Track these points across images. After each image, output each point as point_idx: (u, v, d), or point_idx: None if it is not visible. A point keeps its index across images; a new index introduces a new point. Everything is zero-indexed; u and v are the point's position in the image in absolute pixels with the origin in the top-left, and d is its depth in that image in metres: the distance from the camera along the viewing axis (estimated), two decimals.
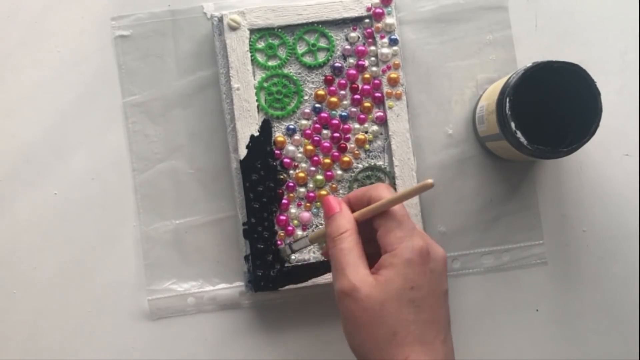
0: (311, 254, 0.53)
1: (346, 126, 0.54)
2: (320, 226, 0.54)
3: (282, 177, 0.53)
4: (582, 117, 0.46)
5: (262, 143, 0.53)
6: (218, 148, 0.55)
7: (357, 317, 0.41)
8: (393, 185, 0.53)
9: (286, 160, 0.53)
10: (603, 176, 0.55)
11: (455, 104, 0.55)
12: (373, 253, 0.43)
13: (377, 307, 0.41)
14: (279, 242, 0.53)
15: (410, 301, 0.41)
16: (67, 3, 0.55)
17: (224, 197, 0.55)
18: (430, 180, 0.42)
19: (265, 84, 0.53)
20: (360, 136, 0.53)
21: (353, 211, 0.45)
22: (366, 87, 0.53)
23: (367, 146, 0.54)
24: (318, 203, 0.53)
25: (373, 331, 0.41)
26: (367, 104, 0.53)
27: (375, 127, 0.54)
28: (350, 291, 0.41)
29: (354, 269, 0.42)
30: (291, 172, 0.53)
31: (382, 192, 0.44)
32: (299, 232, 0.53)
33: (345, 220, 0.44)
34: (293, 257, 0.53)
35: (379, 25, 0.53)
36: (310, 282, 0.52)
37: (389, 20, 0.53)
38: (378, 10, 0.53)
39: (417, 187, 0.42)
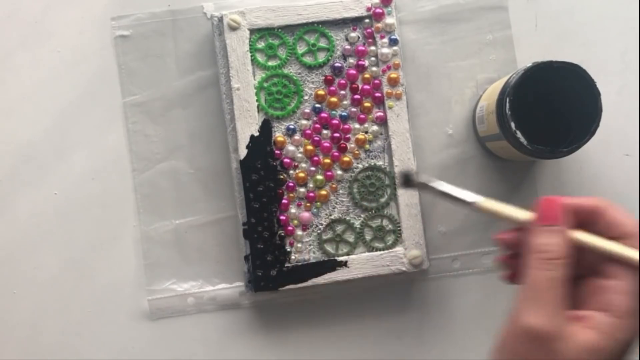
0: (311, 254, 0.53)
1: (346, 126, 0.54)
2: (320, 226, 0.53)
3: (282, 177, 0.53)
4: (582, 117, 0.46)
5: (262, 143, 0.53)
6: (218, 148, 0.55)
7: None
8: (393, 185, 0.53)
9: (286, 160, 0.53)
10: (603, 176, 0.55)
11: (455, 104, 0.55)
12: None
13: None
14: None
15: None
16: (67, 3, 0.55)
17: (224, 197, 0.55)
18: None
19: (265, 84, 0.53)
20: (360, 136, 0.53)
21: (574, 225, 0.36)
22: (366, 87, 0.53)
23: (367, 146, 0.54)
24: (318, 203, 0.53)
25: None
26: (367, 104, 0.53)
27: (375, 127, 0.54)
28: (540, 334, 0.33)
29: (554, 311, 0.33)
30: (291, 172, 0.53)
31: (625, 221, 0.34)
32: (299, 232, 0.53)
33: (564, 243, 0.35)
34: (293, 256, 0.53)
35: (379, 25, 0.53)
36: (310, 282, 0.52)
37: (389, 20, 0.53)
38: (378, 10, 0.53)
39: None
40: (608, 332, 0.33)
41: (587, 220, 0.36)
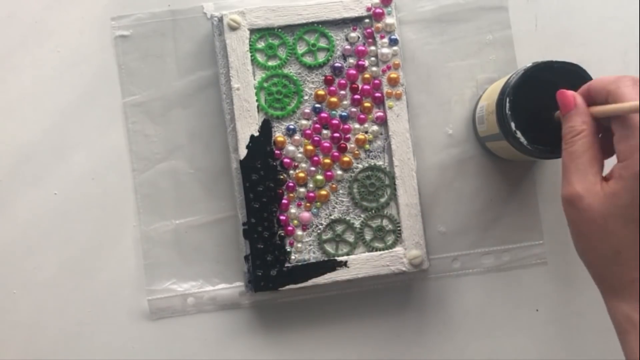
0: (311, 254, 0.53)
1: (346, 126, 0.54)
2: (320, 226, 0.53)
3: (282, 177, 0.53)
4: None
5: (262, 143, 0.53)
6: (218, 148, 0.55)
7: (579, 227, 0.39)
8: (393, 185, 0.53)
9: (286, 160, 0.53)
10: None
11: (455, 104, 0.55)
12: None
13: (600, 221, 0.38)
14: None
15: (637, 220, 0.37)
16: (67, 3, 0.55)
17: (224, 197, 0.55)
18: None
19: (265, 84, 0.53)
20: (360, 136, 0.53)
21: (593, 103, 0.41)
22: (366, 87, 0.53)
23: (367, 146, 0.54)
24: (318, 203, 0.53)
25: (595, 245, 0.39)
26: (367, 104, 0.53)
27: (375, 127, 0.54)
28: (572, 199, 0.39)
29: (581, 175, 0.39)
30: (291, 172, 0.53)
31: (624, 90, 0.39)
32: (299, 232, 0.53)
33: (580, 120, 0.40)
34: (293, 256, 0.53)
35: (379, 25, 0.53)
36: (310, 282, 0.52)
37: (389, 20, 0.53)
38: (378, 10, 0.53)
39: None
40: (617, 176, 0.38)
41: (602, 97, 0.40)
